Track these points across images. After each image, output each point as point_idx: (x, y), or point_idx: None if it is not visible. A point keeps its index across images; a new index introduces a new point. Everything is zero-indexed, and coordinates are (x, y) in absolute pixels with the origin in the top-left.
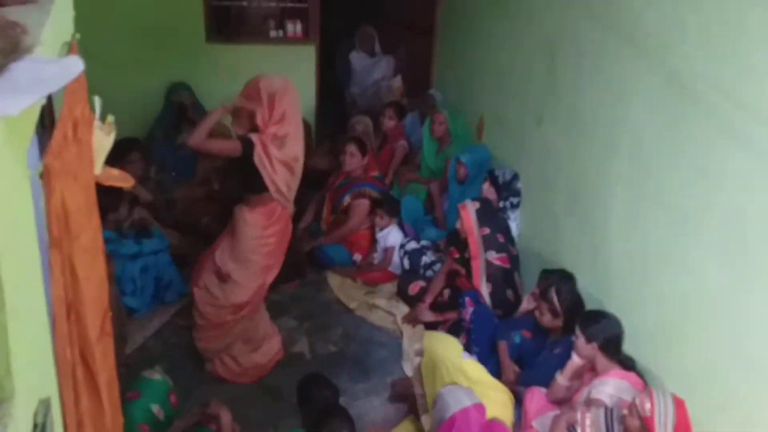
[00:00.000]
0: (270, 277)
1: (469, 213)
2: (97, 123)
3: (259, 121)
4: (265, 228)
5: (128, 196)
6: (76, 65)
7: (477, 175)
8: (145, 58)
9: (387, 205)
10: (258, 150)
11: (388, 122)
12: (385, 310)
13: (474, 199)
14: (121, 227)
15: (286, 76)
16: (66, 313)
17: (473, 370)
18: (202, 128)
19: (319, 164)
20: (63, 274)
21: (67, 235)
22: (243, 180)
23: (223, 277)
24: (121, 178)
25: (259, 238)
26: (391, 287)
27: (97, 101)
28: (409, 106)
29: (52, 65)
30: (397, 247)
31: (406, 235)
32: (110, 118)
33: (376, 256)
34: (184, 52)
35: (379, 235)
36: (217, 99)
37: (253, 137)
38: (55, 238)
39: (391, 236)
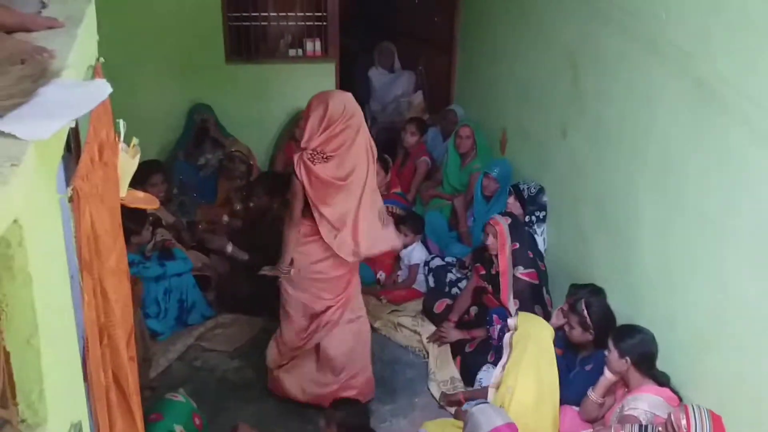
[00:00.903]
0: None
1: (503, 228)
2: (122, 146)
3: (298, 135)
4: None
5: (150, 218)
6: (103, 88)
7: (502, 189)
8: (167, 79)
9: (411, 222)
10: (298, 168)
11: (410, 138)
12: (410, 329)
13: (502, 213)
14: (144, 249)
15: (340, 91)
16: (99, 336)
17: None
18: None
19: None
20: (95, 297)
21: (98, 258)
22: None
23: None
24: (146, 201)
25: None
26: (416, 305)
27: (122, 124)
28: (430, 122)
29: (79, 89)
30: (421, 265)
31: (430, 251)
32: (135, 141)
33: (401, 274)
34: (204, 73)
35: (403, 253)
36: (238, 118)
37: (295, 156)
38: (86, 262)
39: (416, 253)
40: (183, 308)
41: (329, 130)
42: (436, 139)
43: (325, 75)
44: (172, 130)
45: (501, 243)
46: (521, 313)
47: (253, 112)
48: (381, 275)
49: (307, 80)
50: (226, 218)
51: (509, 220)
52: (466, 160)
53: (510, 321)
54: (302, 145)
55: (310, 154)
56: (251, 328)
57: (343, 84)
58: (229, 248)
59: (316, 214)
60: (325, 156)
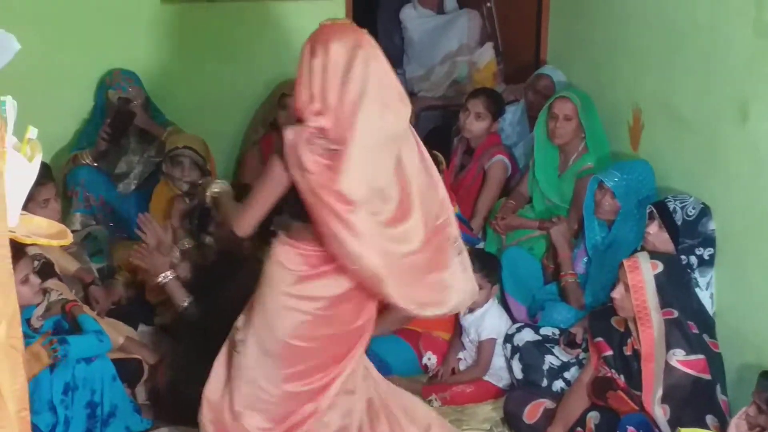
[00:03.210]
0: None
1: (642, 279)
2: (10, 141)
3: (296, 103)
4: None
5: (35, 261)
6: (7, 44)
7: (633, 208)
8: (62, 33)
9: (477, 266)
10: (287, 151)
11: (475, 124)
12: None
13: (651, 254)
14: (28, 316)
15: (351, 25)
16: None
17: None
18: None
19: None
20: None
21: None
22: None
23: None
24: (53, 233)
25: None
26: (491, 411)
27: (10, 104)
28: (508, 96)
29: None
30: (499, 341)
31: (513, 318)
32: (30, 132)
33: (463, 357)
34: (126, 20)
35: (468, 320)
36: (184, 95)
37: (289, 132)
38: None
39: (489, 320)
40: (95, 417)
41: (330, 97)
42: (518, 124)
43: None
44: (70, 115)
45: (638, 303)
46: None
47: (209, 84)
48: (430, 359)
49: (299, 29)
50: (176, 255)
51: (659, 268)
52: (567, 157)
53: None
54: (297, 113)
55: (308, 134)
56: None
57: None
58: (166, 278)
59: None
60: (327, 144)
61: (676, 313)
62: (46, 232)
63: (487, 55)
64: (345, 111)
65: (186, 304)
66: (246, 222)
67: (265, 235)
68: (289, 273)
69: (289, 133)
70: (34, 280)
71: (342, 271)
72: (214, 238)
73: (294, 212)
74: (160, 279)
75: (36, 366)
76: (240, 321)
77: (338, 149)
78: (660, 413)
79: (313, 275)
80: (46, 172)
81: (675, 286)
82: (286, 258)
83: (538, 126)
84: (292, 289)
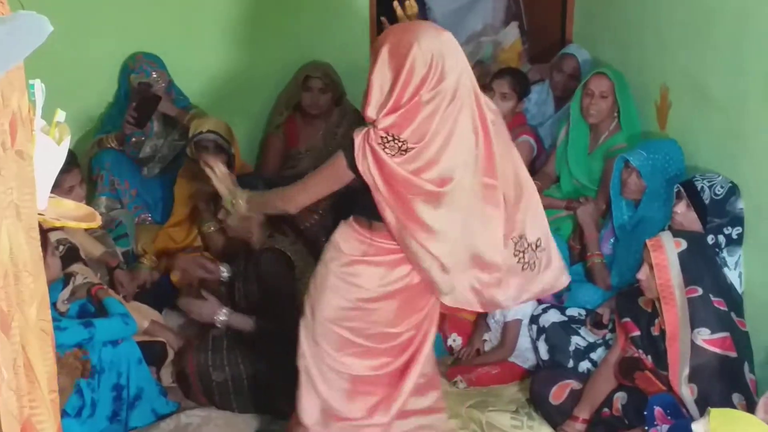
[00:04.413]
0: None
1: (666, 257)
2: (39, 124)
3: (366, 103)
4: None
5: (60, 246)
6: (39, 26)
7: (660, 187)
8: (86, 15)
9: None
10: (359, 155)
11: (500, 104)
12: None
13: (675, 233)
14: (54, 299)
15: (432, 25)
16: None
17: None
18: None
19: None
20: (16, 375)
21: (19, 309)
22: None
23: None
24: (81, 215)
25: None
26: (516, 392)
27: (38, 88)
28: (533, 76)
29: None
30: (525, 321)
31: (539, 299)
32: (59, 115)
33: (488, 338)
34: (150, 6)
35: None
36: (208, 78)
37: (357, 134)
38: (2, 315)
39: None
40: (121, 400)
41: (409, 101)
42: (544, 105)
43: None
44: (95, 99)
45: (662, 283)
46: (715, 412)
47: (232, 67)
48: (455, 340)
49: (321, 11)
50: (225, 273)
51: (683, 245)
52: (598, 135)
53: (695, 426)
54: (367, 115)
55: (381, 136)
56: None
57: (383, 10)
58: (222, 317)
59: (399, 235)
60: (401, 145)
61: (700, 291)
62: (75, 215)
63: (512, 34)
64: (420, 110)
65: (225, 317)
66: (300, 201)
67: (276, 224)
68: (342, 255)
69: (361, 136)
70: (54, 260)
71: (395, 266)
72: (224, 227)
73: (366, 211)
74: (218, 323)
75: (68, 379)
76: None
77: (415, 147)
78: (687, 393)
79: (364, 262)
80: (71, 159)
81: (699, 263)
82: (344, 240)
83: (574, 102)
84: (340, 271)
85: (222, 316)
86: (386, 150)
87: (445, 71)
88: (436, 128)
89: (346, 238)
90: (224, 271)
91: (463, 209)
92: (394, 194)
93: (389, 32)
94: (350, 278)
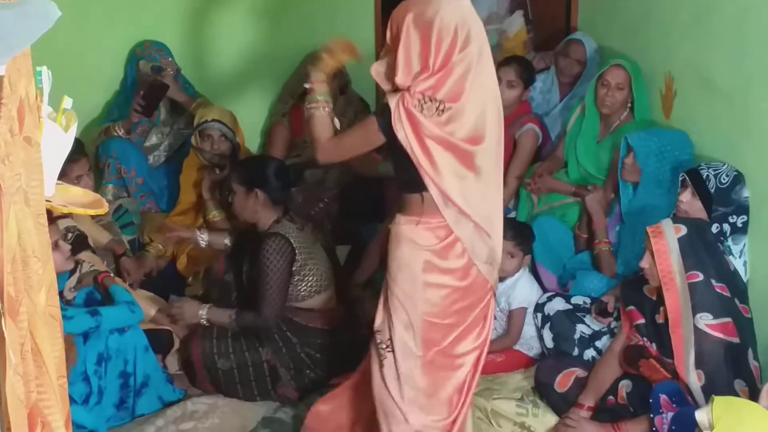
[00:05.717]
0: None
1: (666, 243)
2: (46, 111)
3: (398, 71)
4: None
5: (69, 233)
6: (48, 11)
7: (656, 172)
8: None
9: (510, 235)
10: (395, 118)
11: (506, 92)
12: (514, 421)
13: (676, 219)
14: (61, 288)
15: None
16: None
17: None
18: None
19: (383, 168)
20: (24, 360)
21: (27, 294)
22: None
23: None
24: (88, 202)
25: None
26: (522, 380)
27: (45, 74)
28: (539, 64)
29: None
30: (530, 309)
31: (544, 287)
32: (66, 102)
33: (494, 326)
34: None
35: (498, 289)
36: (214, 67)
37: (391, 100)
38: (11, 300)
39: (519, 290)
40: (128, 387)
41: (443, 65)
42: (549, 93)
43: None
44: (101, 87)
45: (663, 268)
46: (718, 399)
47: (237, 56)
48: None
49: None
50: (227, 242)
51: (682, 231)
52: (608, 124)
53: (699, 414)
54: (399, 83)
55: (419, 99)
56: (242, 420)
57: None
58: (204, 313)
59: (439, 201)
60: (439, 105)
61: (701, 276)
62: (82, 202)
63: (517, 23)
64: (453, 71)
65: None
66: (332, 156)
67: (286, 210)
68: (422, 250)
69: (396, 100)
70: (64, 246)
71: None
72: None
73: (407, 182)
74: (201, 320)
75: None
76: (378, 322)
77: (451, 107)
78: (694, 379)
79: (445, 247)
80: (79, 148)
81: (700, 248)
82: (415, 235)
83: (589, 93)
84: (428, 265)
85: (204, 312)
86: (424, 111)
87: (470, 36)
88: (469, 87)
89: (416, 233)
90: (227, 242)
91: (490, 171)
92: (427, 157)
93: (409, 5)
94: (442, 266)
